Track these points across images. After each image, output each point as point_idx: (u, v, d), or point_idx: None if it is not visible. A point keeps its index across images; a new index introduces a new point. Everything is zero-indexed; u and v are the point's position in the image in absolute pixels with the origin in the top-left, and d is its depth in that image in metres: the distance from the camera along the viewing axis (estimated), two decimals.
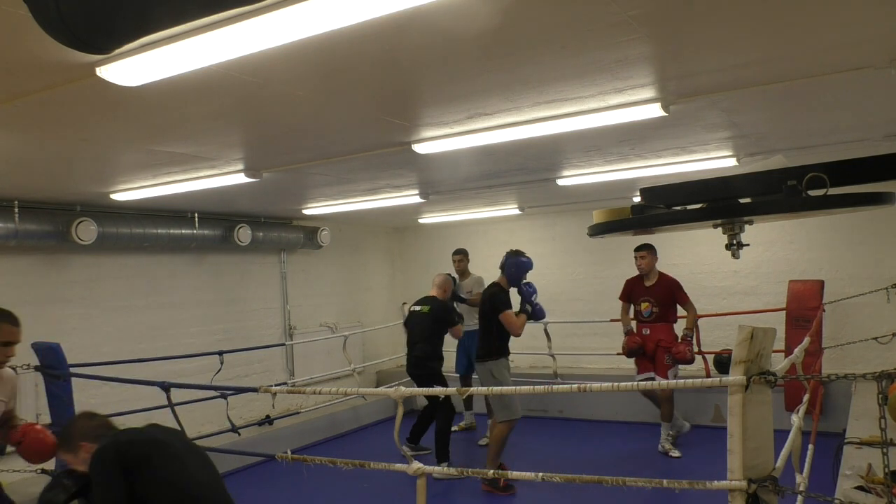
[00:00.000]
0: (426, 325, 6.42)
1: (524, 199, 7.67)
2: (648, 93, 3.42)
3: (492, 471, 3.36)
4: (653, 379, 6.12)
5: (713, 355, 7.16)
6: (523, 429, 7.67)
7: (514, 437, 7.27)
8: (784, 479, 2.58)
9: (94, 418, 2.97)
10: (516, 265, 5.69)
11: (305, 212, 7.57)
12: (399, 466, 3.30)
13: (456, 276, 7.40)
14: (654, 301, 6.34)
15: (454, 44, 2.59)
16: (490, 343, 5.75)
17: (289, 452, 3.62)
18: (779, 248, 7.66)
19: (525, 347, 8.72)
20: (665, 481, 2.83)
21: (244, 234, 7.18)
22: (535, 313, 5.76)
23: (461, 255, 7.57)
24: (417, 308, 6.61)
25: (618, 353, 8.08)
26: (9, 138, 3.63)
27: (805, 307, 6.62)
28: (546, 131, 3.93)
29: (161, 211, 6.55)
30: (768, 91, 3.49)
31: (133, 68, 2.45)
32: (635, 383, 3.26)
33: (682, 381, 3.24)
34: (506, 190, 6.75)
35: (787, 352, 6.10)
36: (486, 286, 6.78)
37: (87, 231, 5.64)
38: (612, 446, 6.74)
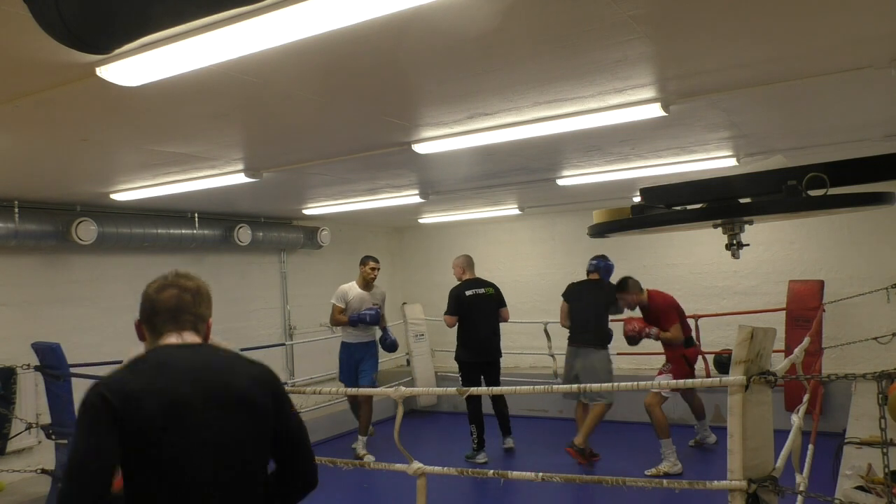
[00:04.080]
0: (493, 309, 6.64)
1: (524, 199, 7.67)
2: (648, 93, 3.42)
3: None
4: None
5: (713, 355, 7.16)
6: (523, 429, 7.68)
7: (513, 436, 7.30)
8: (784, 479, 2.58)
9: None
10: (608, 268, 6.53)
11: (305, 212, 7.57)
12: (399, 466, 3.30)
13: (360, 286, 6.74)
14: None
15: (454, 44, 2.59)
16: (605, 333, 6.29)
17: None
18: (779, 248, 7.65)
19: (525, 347, 8.74)
20: (665, 481, 2.83)
21: (244, 234, 7.18)
22: None
23: (377, 263, 6.81)
24: (482, 290, 6.65)
25: (618, 353, 8.09)
26: (9, 138, 3.63)
27: (805, 307, 6.62)
28: (546, 131, 3.93)
29: (161, 211, 6.55)
30: (768, 91, 3.49)
31: (133, 68, 2.45)
32: (635, 383, 3.26)
33: (682, 381, 3.23)
34: (506, 190, 6.75)
35: (787, 352, 6.10)
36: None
37: (87, 231, 5.64)
38: (612, 446, 6.74)
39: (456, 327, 6.61)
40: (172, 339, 1.82)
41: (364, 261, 6.79)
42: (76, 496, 1.56)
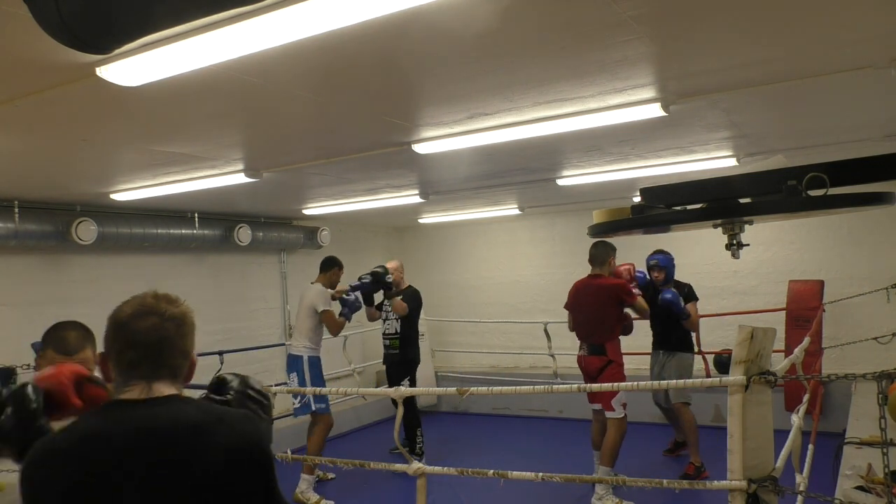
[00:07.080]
0: None
1: (524, 199, 7.67)
2: (648, 93, 3.42)
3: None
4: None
5: (713, 355, 7.16)
6: (524, 429, 7.68)
7: (513, 436, 7.30)
8: (784, 479, 2.58)
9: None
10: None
11: (305, 212, 7.58)
12: (399, 466, 3.31)
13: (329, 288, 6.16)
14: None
15: (454, 44, 2.59)
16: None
17: (289, 452, 3.63)
18: (779, 248, 7.65)
19: (525, 347, 8.74)
20: (665, 481, 2.83)
21: (244, 234, 7.18)
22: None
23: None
24: None
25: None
26: (9, 138, 3.63)
27: (805, 307, 6.62)
28: (546, 131, 3.93)
29: (161, 211, 6.55)
30: (768, 91, 3.49)
31: (133, 68, 2.45)
32: (636, 383, 3.26)
33: (682, 380, 3.23)
34: (506, 190, 6.75)
35: (787, 352, 6.10)
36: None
37: (87, 231, 5.64)
38: None
39: (410, 329, 6.66)
40: (134, 392, 1.39)
41: (340, 264, 6.29)
42: None
